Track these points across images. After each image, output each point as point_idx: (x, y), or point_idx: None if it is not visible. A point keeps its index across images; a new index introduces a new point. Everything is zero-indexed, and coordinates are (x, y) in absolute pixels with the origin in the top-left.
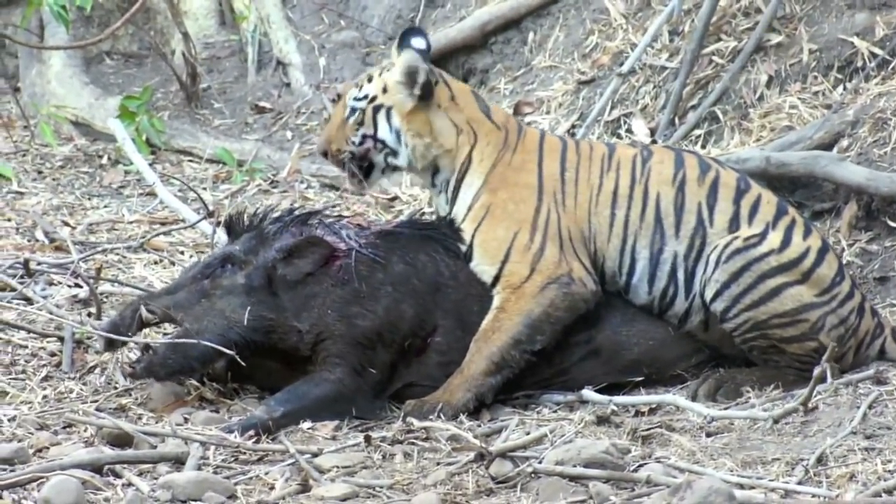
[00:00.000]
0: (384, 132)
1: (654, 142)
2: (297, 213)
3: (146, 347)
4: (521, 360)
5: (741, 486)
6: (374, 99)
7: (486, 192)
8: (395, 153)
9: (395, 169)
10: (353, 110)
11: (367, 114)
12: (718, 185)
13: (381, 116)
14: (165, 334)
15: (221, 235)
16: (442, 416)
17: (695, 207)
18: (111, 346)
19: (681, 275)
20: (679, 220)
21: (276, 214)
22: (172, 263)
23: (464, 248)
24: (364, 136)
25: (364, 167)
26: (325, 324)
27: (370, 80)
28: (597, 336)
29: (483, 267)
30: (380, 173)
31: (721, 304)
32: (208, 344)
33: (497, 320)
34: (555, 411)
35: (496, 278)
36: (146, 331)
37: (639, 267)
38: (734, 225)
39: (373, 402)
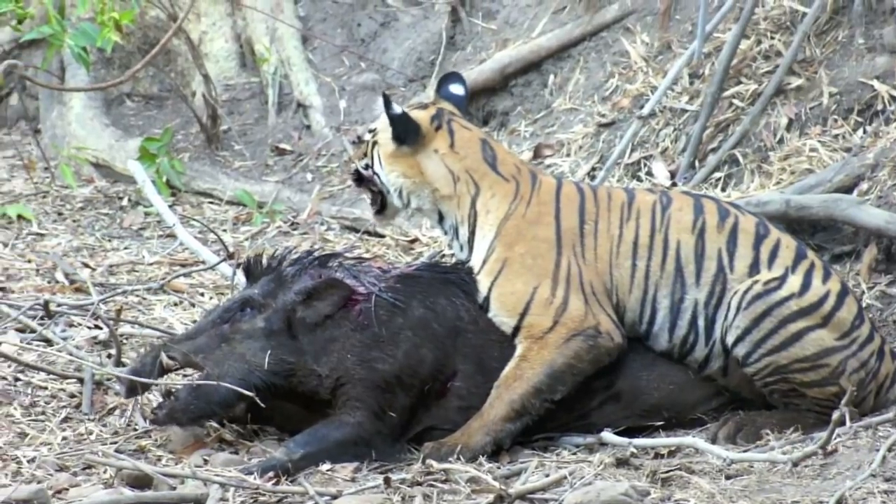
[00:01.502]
0: (377, 166)
1: (674, 184)
2: (315, 255)
3: (168, 393)
4: (541, 408)
5: None
6: (374, 132)
7: (500, 245)
8: (386, 189)
9: (399, 208)
10: (363, 139)
11: (369, 145)
12: (738, 230)
13: (375, 152)
14: (185, 376)
15: (241, 277)
16: (461, 458)
17: (715, 254)
18: (133, 391)
19: (701, 322)
20: (699, 268)
21: (294, 257)
22: (192, 305)
23: (481, 299)
24: (367, 165)
25: (380, 200)
26: (345, 368)
27: (376, 122)
28: (617, 381)
29: (502, 318)
30: (394, 208)
31: (743, 350)
32: (230, 387)
33: (519, 368)
34: (574, 453)
35: (516, 329)
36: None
37: (659, 316)
38: (754, 270)
39: (392, 446)
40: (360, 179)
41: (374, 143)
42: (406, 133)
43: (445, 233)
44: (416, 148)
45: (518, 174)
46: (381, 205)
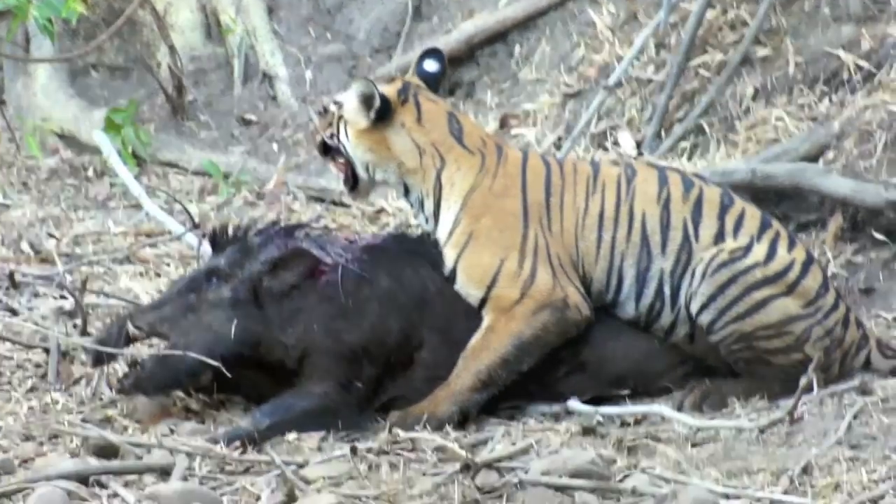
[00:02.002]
0: (343, 139)
1: (640, 154)
2: (281, 225)
3: (134, 363)
4: (507, 379)
5: (726, 496)
6: (340, 107)
7: (466, 217)
8: (351, 161)
9: (366, 181)
10: (328, 110)
11: (335, 118)
12: (703, 201)
13: (341, 126)
14: (152, 346)
15: (207, 247)
16: (427, 427)
17: (680, 224)
18: (99, 361)
19: (667, 290)
20: (665, 238)
21: (260, 227)
22: (158, 275)
23: (447, 271)
24: (332, 135)
25: (351, 174)
26: (311, 338)
27: (350, 88)
28: (583, 350)
29: (468, 290)
30: (365, 184)
31: (707, 317)
32: (196, 357)
33: (486, 339)
34: (540, 422)
35: (483, 301)
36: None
37: (626, 285)
38: (719, 240)
39: (359, 416)
40: (327, 150)
41: (340, 116)
42: (375, 110)
43: (411, 205)
44: (384, 123)
45: (484, 147)
46: (354, 181)
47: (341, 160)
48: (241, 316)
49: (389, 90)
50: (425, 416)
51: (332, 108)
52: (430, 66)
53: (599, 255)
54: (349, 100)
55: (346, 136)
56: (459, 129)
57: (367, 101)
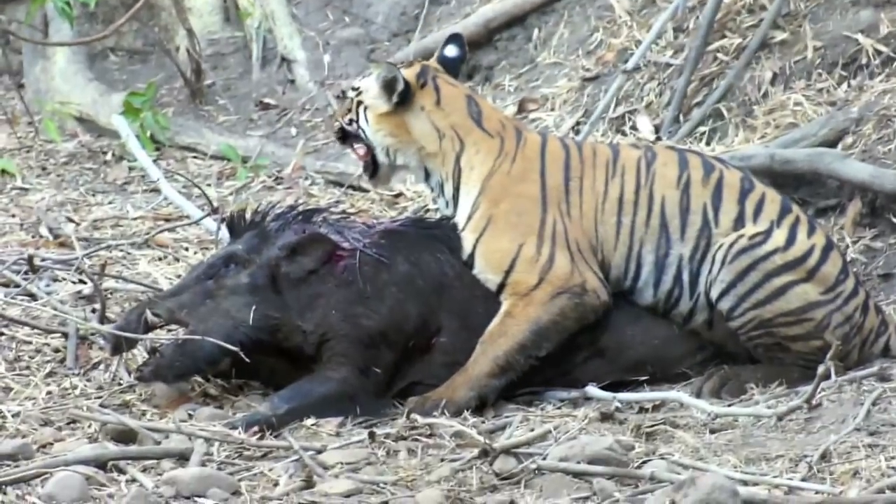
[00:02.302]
0: (363, 123)
1: (658, 139)
2: (299, 210)
3: (153, 350)
4: (525, 365)
5: (745, 483)
6: (360, 93)
7: (484, 201)
8: (370, 146)
9: (386, 165)
10: (347, 95)
11: (354, 103)
12: (723, 185)
13: (361, 111)
14: (171, 332)
15: (225, 232)
16: (445, 412)
17: (700, 209)
18: (118, 348)
19: (686, 276)
20: (684, 223)
21: (278, 212)
22: (177, 260)
23: (466, 256)
24: (351, 120)
25: (371, 162)
26: (330, 324)
27: (369, 75)
28: (601, 336)
29: (487, 275)
30: (385, 170)
31: (727, 303)
32: (215, 343)
33: (504, 325)
34: (559, 408)
35: (501, 286)
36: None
37: (644, 271)
38: (739, 224)
39: (377, 402)
40: (345, 137)
41: (359, 102)
42: (398, 93)
43: (431, 189)
44: (404, 107)
45: (503, 130)
46: (374, 167)
47: (360, 146)
48: (260, 301)
49: (408, 74)
50: (443, 402)
51: (351, 93)
52: (451, 51)
53: (619, 241)
54: (370, 84)
55: (367, 120)
56: (479, 113)
57: (389, 85)
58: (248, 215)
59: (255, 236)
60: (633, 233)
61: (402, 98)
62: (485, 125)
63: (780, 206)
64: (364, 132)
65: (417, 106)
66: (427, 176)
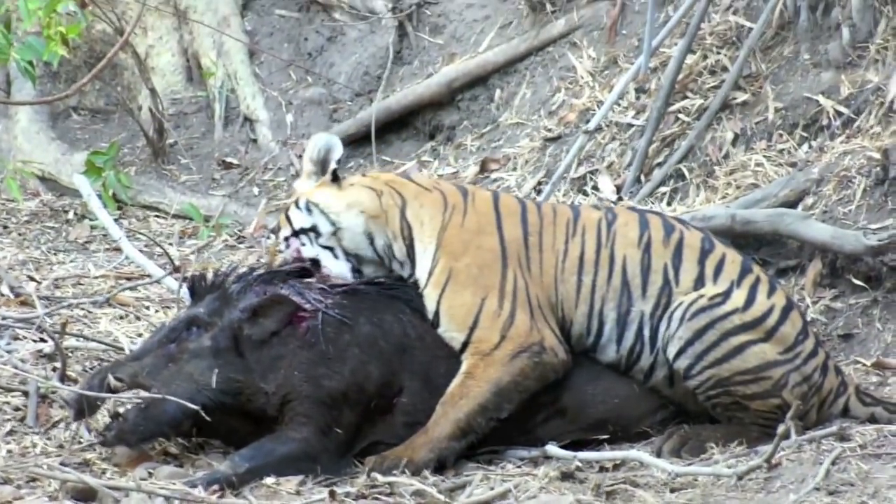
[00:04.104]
0: (297, 218)
1: (620, 199)
2: (260, 272)
3: (116, 415)
4: (486, 427)
5: None
6: (285, 208)
7: (444, 256)
8: (314, 229)
9: (332, 248)
10: (273, 231)
11: (282, 219)
12: (683, 245)
13: (291, 211)
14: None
15: (186, 291)
16: (404, 472)
17: (661, 268)
18: (81, 413)
19: (647, 332)
20: (646, 281)
21: (239, 273)
22: (138, 318)
23: (430, 314)
24: (286, 238)
25: (311, 267)
26: (292, 385)
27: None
28: (562, 395)
29: (452, 333)
30: (329, 259)
31: (684, 362)
32: (178, 405)
33: (465, 386)
34: (519, 466)
35: (465, 344)
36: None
37: (607, 329)
38: (699, 284)
39: (338, 462)
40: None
41: (286, 208)
42: (336, 161)
43: (379, 256)
44: (339, 182)
45: (438, 185)
46: (357, 265)
47: (324, 259)
48: (222, 364)
49: (305, 160)
50: (403, 462)
51: (282, 233)
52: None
53: (580, 299)
54: (299, 182)
55: (299, 208)
56: (406, 176)
57: (322, 163)
58: (209, 277)
59: (216, 299)
60: (594, 291)
61: (335, 173)
62: (417, 180)
63: (741, 266)
64: (302, 226)
65: (347, 182)
66: (371, 242)
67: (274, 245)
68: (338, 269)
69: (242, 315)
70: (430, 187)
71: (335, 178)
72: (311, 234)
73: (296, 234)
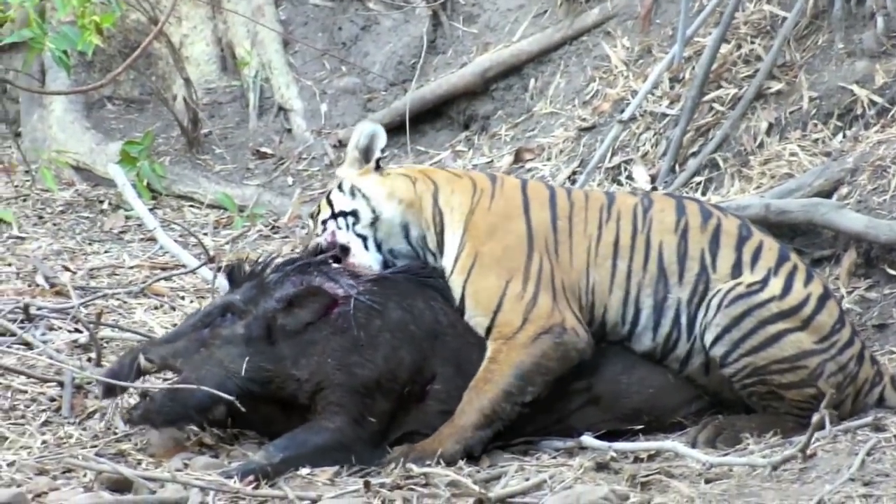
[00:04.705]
0: (339, 201)
1: (654, 188)
2: (297, 261)
3: (144, 395)
4: (512, 413)
5: None
6: (326, 192)
7: (470, 240)
8: (354, 214)
9: (366, 238)
10: (312, 215)
11: (322, 203)
12: (720, 232)
13: (334, 194)
14: (165, 380)
15: (222, 281)
16: (430, 465)
17: (698, 254)
18: (110, 392)
19: (684, 319)
20: (682, 268)
21: (277, 263)
22: (173, 309)
23: (456, 299)
24: (324, 221)
25: (340, 253)
26: (325, 373)
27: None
28: (596, 384)
29: (476, 318)
30: (360, 248)
31: (721, 349)
32: (206, 391)
33: (489, 371)
34: (554, 457)
35: (489, 329)
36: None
37: (643, 316)
38: (737, 271)
39: (372, 451)
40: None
41: (328, 192)
42: (381, 149)
43: (414, 249)
44: (377, 169)
45: (467, 172)
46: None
47: (355, 248)
48: (254, 353)
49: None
50: (428, 454)
51: (321, 216)
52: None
53: (614, 284)
54: (343, 166)
55: (342, 191)
56: (437, 166)
57: (364, 151)
58: (247, 266)
59: (252, 287)
60: (629, 277)
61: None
62: (447, 169)
63: (778, 254)
64: (343, 210)
65: (385, 170)
66: (406, 233)
67: (311, 231)
68: (367, 259)
69: (278, 305)
70: (461, 174)
71: (377, 167)
72: (350, 219)
73: (334, 216)
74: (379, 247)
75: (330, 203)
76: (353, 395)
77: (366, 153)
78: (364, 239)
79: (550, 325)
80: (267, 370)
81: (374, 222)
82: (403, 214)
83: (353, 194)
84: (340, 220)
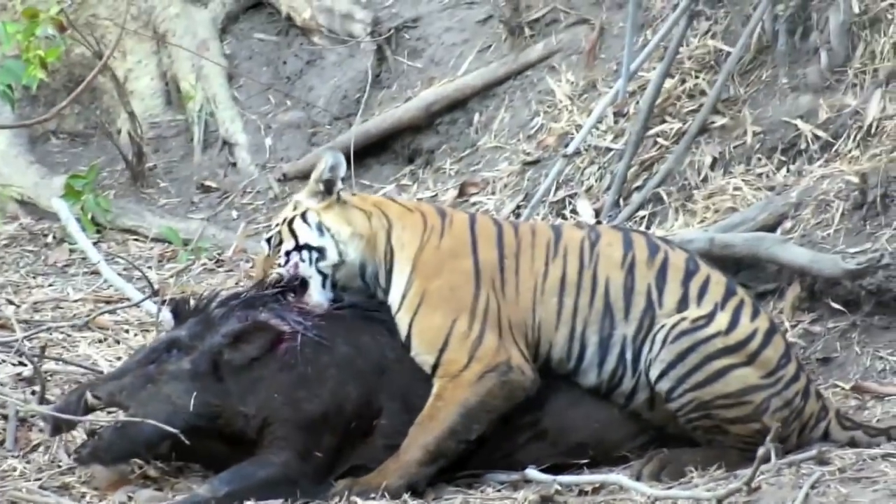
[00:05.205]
0: (305, 235)
1: (598, 222)
2: (242, 297)
3: (91, 433)
4: (457, 450)
5: None
6: (285, 219)
7: (418, 278)
8: (321, 251)
9: (330, 280)
10: (270, 240)
11: (284, 231)
12: (668, 266)
13: (298, 224)
14: (110, 413)
15: (166, 315)
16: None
17: (644, 289)
18: (58, 429)
19: (629, 355)
20: (629, 304)
21: (222, 298)
22: (117, 342)
23: (402, 337)
24: (287, 252)
25: (297, 286)
26: (272, 408)
27: (278, 218)
28: (542, 418)
29: (422, 356)
30: (318, 286)
31: (666, 384)
32: (155, 426)
33: (434, 408)
34: (499, 490)
35: (435, 367)
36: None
37: (588, 353)
38: (683, 305)
39: (318, 486)
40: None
41: (293, 219)
42: (341, 179)
43: (367, 285)
44: (338, 199)
45: (417, 207)
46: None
47: (314, 284)
48: (201, 388)
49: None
50: (372, 488)
51: (273, 231)
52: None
53: (560, 321)
54: (302, 194)
55: (308, 225)
56: (389, 197)
57: (328, 182)
58: (192, 301)
59: (198, 322)
60: (576, 314)
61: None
62: (400, 201)
63: (725, 288)
64: (308, 243)
65: (343, 199)
66: (363, 271)
67: (265, 256)
68: (320, 298)
69: (224, 340)
70: (412, 208)
71: (338, 198)
72: (315, 254)
73: (298, 248)
74: (334, 286)
75: (294, 234)
76: (300, 430)
77: (328, 185)
78: (324, 277)
79: (496, 364)
80: (214, 405)
81: (339, 264)
82: (362, 253)
83: (320, 231)
84: (305, 252)
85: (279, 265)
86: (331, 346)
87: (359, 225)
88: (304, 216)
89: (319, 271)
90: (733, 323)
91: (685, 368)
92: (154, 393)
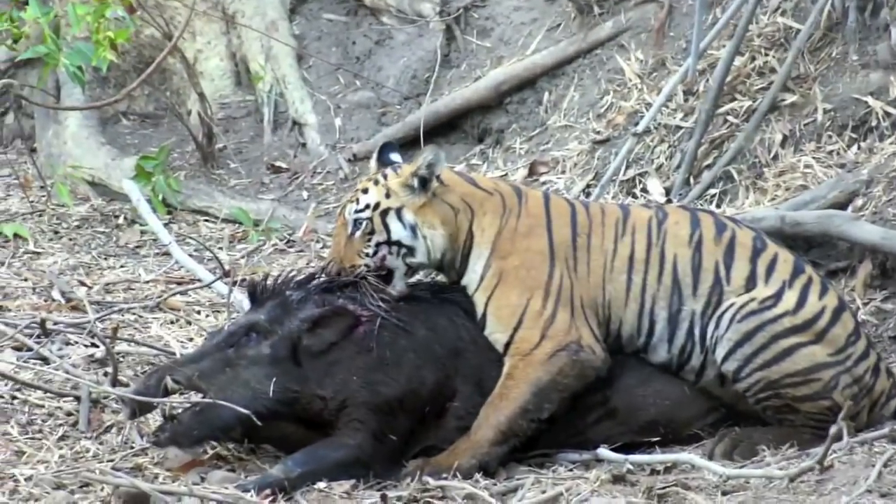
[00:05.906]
0: (398, 232)
1: (668, 201)
2: (321, 280)
3: (170, 416)
4: (528, 429)
5: None
6: (378, 206)
7: (495, 259)
8: (411, 251)
9: (414, 271)
10: (358, 223)
11: (376, 221)
12: (735, 244)
13: (391, 219)
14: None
15: (237, 296)
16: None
17: (712, 266)
18: (136, 413)
19: (697, 331)
20: (696, 280)
21: (298, 280)
22: (189, 323)
23: (478, 316)
24: (378, 244)
25: (382, 276)
26: (349, 390)
27: (366, 191)
28: (612, 397)
29: (496, 335)
30: (401, 277)
31: (733, 364)
32: (232, 410)
33: (506, 388)
34: (570, 470)
35: (507, 345)
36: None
37: (658, 328)
38: (751, 283)
39: (391, 468)
40: (370, 270)
41: (387, 210)
42: (436, 176)
43: (443, 269)
44: (432, 196)
45: (497, 187)
46: (385, 281)
47: (398, 275)
48: (280, 374)
49: (408, 169)
50: (443, 469)
51: (363, 215)
52: (395, 157)
53: (629, 298)
54: (396, 183)
55: (403, 224)
56: (471, 178)
57: (424, 177)
58: (268, 284)
59: (276, 306)
60: (644, 291)
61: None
62: (481, 185)
63: (793, 266)
64: (400, 241)
65: (434, 193)
66: (443, 258)
67: (355, 242)
68: (403, 287)
69: (302, 325)
70: (492, 191)
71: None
72: (404, 250)
73: (389, 243)
74: (414, 273)
75: (387, 228)
76: (376, 413)
77: (423, 181)
78: (410, 269)
79: (567, 343)
80: (293, 390)
81: (426, 262)
82: (446, 247)
83: (413, 232)
84: (395, 248)
85: (367, 254)
86: (409, 330)
87: (448, 224)
88: (399, 213)
89: (407, 264)
90: (801, 301)
91: (752, 348)
92: (233, 377)
